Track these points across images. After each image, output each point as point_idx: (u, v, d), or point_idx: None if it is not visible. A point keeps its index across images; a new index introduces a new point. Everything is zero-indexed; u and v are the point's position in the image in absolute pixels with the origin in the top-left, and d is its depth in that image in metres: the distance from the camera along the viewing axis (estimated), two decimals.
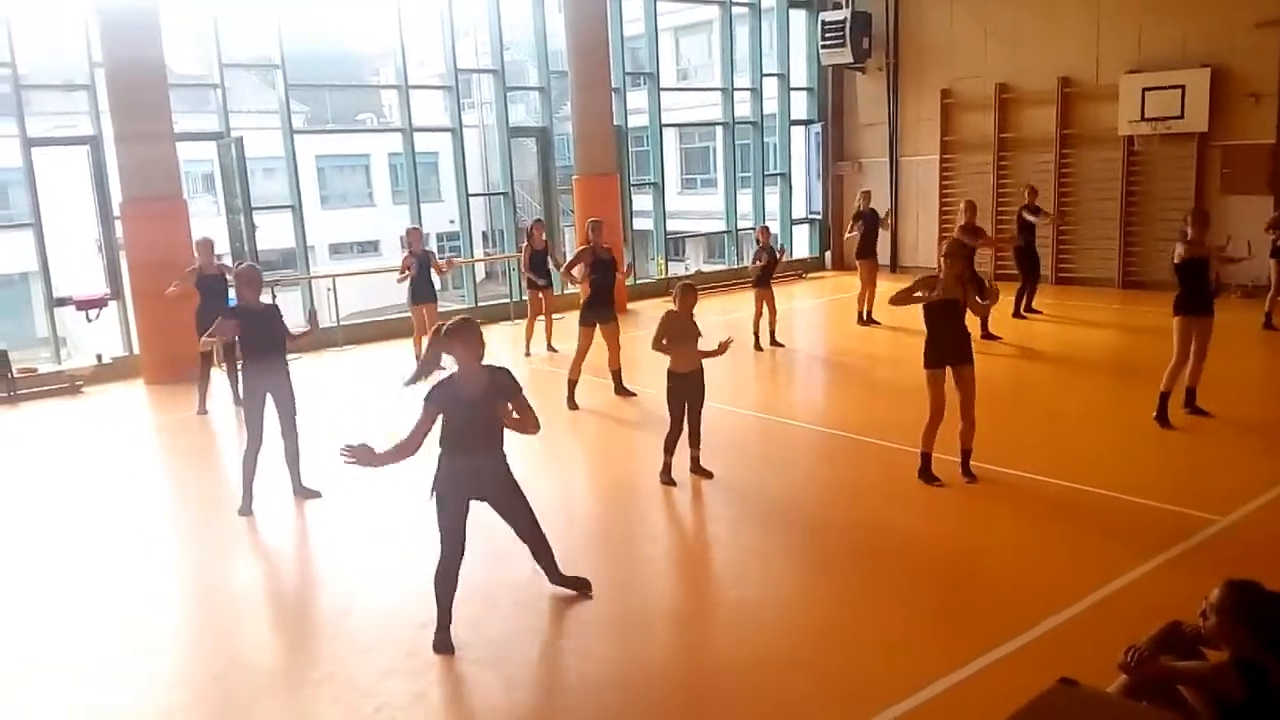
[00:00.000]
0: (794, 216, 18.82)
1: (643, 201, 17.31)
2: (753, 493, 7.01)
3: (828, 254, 18.93)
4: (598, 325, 9.47)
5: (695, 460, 7.24)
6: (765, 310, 11.69)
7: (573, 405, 9.31)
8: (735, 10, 17.51)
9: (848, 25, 16.91)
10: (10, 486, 8.09)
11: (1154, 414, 7.89)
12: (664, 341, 6.94)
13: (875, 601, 5.18)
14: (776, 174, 18.65)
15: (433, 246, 20.00)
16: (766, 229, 12.49)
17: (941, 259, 6.58)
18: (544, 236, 12.20)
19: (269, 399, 6.97)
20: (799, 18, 18.28)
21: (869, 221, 13.01)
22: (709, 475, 7.18)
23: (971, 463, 6.84)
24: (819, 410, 9.69)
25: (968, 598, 5.14)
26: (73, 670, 4.87)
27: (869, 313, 12.92)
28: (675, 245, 18.39)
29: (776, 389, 10.69)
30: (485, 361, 4.74)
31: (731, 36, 17.51)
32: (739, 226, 18.21)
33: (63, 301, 12.17)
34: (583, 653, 4.86)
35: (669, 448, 7.09)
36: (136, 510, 7.28)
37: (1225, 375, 8.74)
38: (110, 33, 11.26)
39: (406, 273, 11.22)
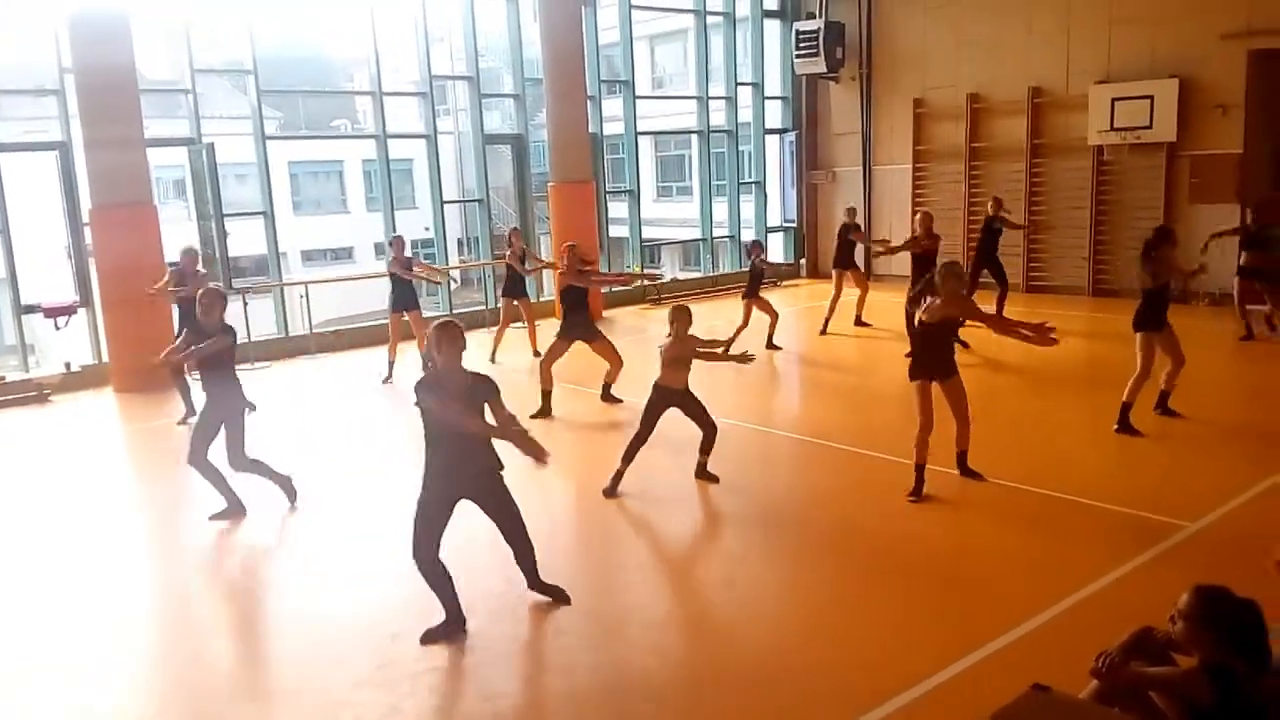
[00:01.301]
0: (769, 225, 18.91)
1: (618, 209, 17.31)
2: (733, 500, 7.01)
3: (802, 262, 19.01)
4: (579, 342, 9.35)
5: (702, 466, 7.21)
6: (761, 316, 11.92)
7: (546, 413, 9.22)
8: (710, 19, 17.57)
9: (821, 35, 17.00)
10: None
11: (1114, 426, 7.90)
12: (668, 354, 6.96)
13: (852, 608, 5.20)
14: (751, 182, 18.71)
15: (406, 253, 19.88)
16: (759, 243, 12.77)
17: (940, 279, 6.48)
18: (522, 244, 12.20)
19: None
20: (773, 27, 18.39)
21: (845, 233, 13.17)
22: (714, 479, 7.18)
23: (945, 470, 6.88)
24: (799, 418, 9.73)
25: (942, 603, 5.16)
26: (54, 674, 4.81)
27: (859, 317, 13.28)
28: (651, 253, 18.41)
29: (758, 396, 10.69)
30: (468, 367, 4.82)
31: (706, 45, 17.56)
32: (714, 234, 18.26)
33: (31, 309, 12.01)
34: (559, 661, 4.84)
35: (628, 456, 6.99)
36: (108, 519, 7.19)
37: (1198, 381, 8.84)
38: (80, 38, 11.14)
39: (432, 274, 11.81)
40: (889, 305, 13.96)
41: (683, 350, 6.91)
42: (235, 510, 6.91)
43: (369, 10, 14.04)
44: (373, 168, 17.80)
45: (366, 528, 6.68)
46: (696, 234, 18.71)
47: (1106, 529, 6.05)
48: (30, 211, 14.71)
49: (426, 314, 11.51)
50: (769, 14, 18.22)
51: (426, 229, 18.30)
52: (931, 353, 6.66)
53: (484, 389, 4.80)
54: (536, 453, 4.59)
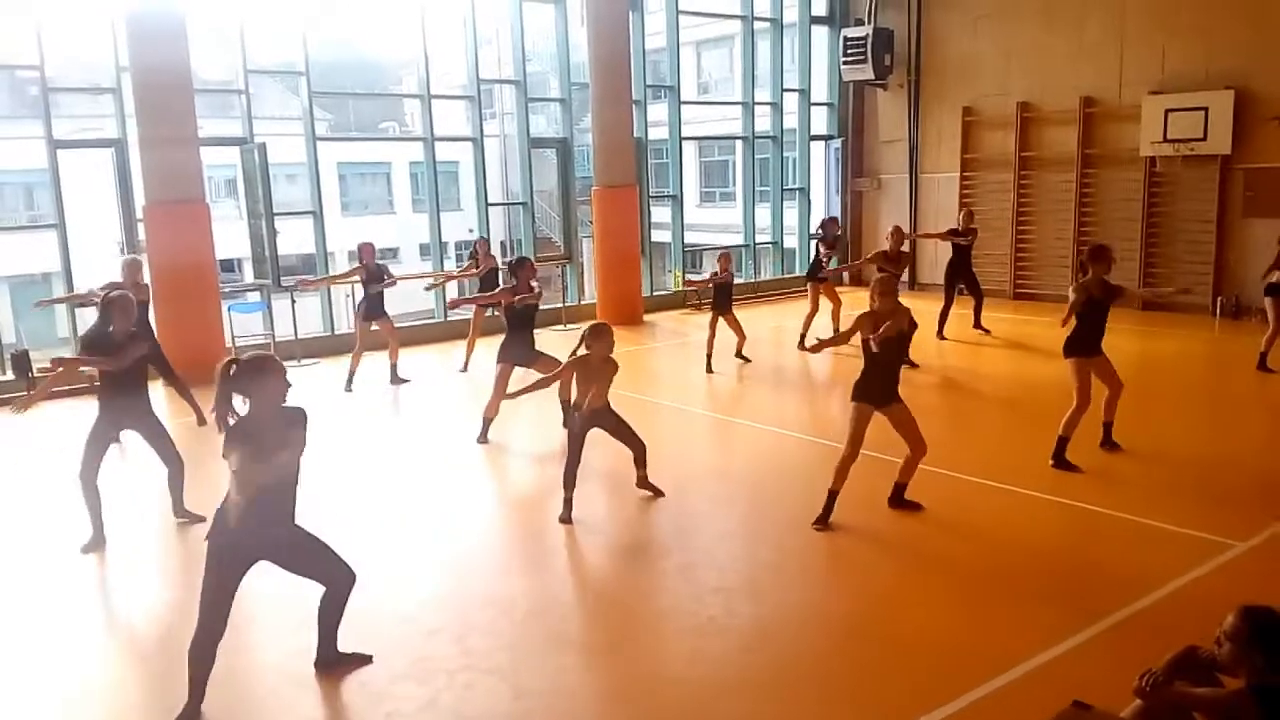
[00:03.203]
0: (812, 231, 18.81)
1: (661, 214, 17.33)
2: (762, 509, 7.00)
3: (845, 273, 18.87)
4: (518, 366, 8.66)
5: (642, 479, 7.03)
6: (726, 330, 11.50)
7: (484, 439, 8.66)
8: (757, 25, 17.56)
9: (870, 41, 16.91)
10: (27, 484, 8.15)
11: (1050, 461, 7.33)
12: (572, 385, 6.71)
13: (885, 620, 5.16)
14: (795, 189, 18.66)
15: (451, 255, 20.08)
16: (729, 255, 11.87)
17: (875, 297, 6.19)
18: (490, 253, 12.06)
19: (133, 434, 6.77)
20: (821, 33, 18.32)
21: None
22: (658, 493, 7.03)
23: (983, 480, 6.80)
24: (829, 424, 9.66)
25: (982, 616, 5.10)
26: (77, 666, 4.92)
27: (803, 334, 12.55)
28: (693, 258, 18.42)
29: (779, 403, 10.66)
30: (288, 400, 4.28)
31: (753, 51, 17.54)
32: (757, 240, 18.24)
33: (84, 302, 12.25)
34: (593, 664, 4.85)
35: (568, 482, 6.69)
36: (152, 507, 7.31)
37: (1252, 394, 8.68)
38: (137, 37, 11.38)
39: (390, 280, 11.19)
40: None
41: (586, 369, 6.60)
42: (99, 543, 6.54)
43: (419, 14, 14.20)
44: (419, 169, 18.01)
45: (403, 526, 6.75)
46: (739, 240, 18.68)
47: (1150, 546, 5.95)
48: (86, 207, 15.05)
49: (464, 315, 11.51)
50: (817, 20, 18.15)
51: (471, 231, 18.44)
52: (876, 376, 6.30)
53: (296, 425, 4.23)
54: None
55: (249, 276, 15.80)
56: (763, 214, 18.35)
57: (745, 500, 7.20)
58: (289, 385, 4.24)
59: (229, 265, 19.32)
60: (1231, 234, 13.85)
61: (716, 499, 7.15)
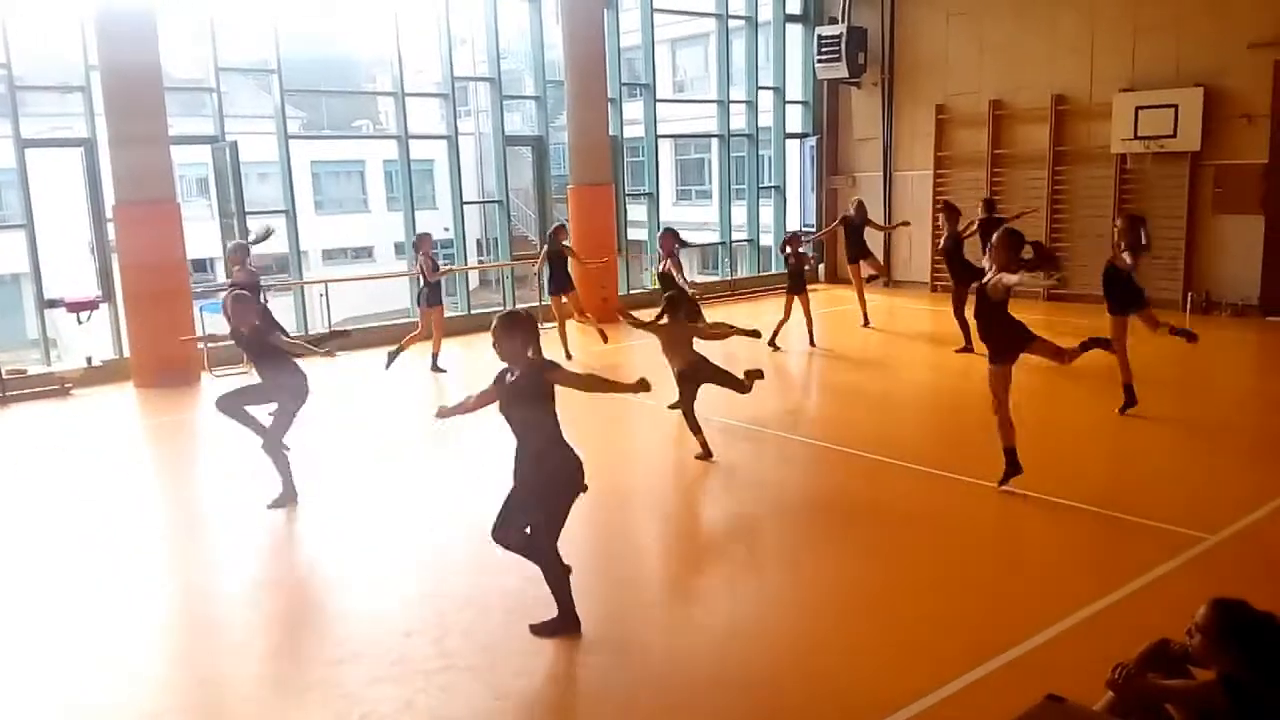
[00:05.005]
0: (788, 229, 18.85)
1: (637, 212, 17.31)
2: (749, 506, 7.00)
3: (821, 266, 18.96)
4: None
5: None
6: (798, 313, 12.27)
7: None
8: (732, 24, 17.57)
9: (844, 40, 16.98)
10: None
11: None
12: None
13: (865, 617, 5.17)
14: (771, 187, 18.69)
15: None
16: (799, 235, 12.82)
17: (1000, 252, 6.43)
18: (566, 242, 12.39)
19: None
20: (795, 32, 18.36)
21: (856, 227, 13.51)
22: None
23: (955, 477, 6.85)
24: (817, 423, 9.69)
25: (956, 613, 5.13)
26: (55, 672, 4.84)
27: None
28: None
29: (776, 401, 10.67)
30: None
31: (728, 49, 17.56)
32: (733, 238, 18.26)
33: (54, 303, 12.12)
34: (573, 662, 4.84)
35: (694, 427, 7.64)
36: (124, 514, 7.24)
37: (1220, 389, 8.77)
38: (106, 35, 11.24)
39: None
40: (896, 308, 13.91)
41: (673, 334, 7.56)
42: (290, 498, 7.03)
43: (392, 11, 14.12)
44: (394, 168, 17.85)
45: (381, 525, 6.71)
46: (715, 238, 18.70)
47: (1123, 539, 6.00)
48: (55, 207, 14.87)
49: (449, 315, 11.59)
50: (791, 18, 18.19)
51: (446, 229, 18.38)
52: (1006, 331, 6.57)
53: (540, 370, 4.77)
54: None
55: (221, 276, 15.66)
56: (739, 212, 18.38)
57: (721, 498, 7.20)
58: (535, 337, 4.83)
59: (201, 265, 19.15)
60: (1201, 230, 14.00)
61: (692, 498, 7.15)
